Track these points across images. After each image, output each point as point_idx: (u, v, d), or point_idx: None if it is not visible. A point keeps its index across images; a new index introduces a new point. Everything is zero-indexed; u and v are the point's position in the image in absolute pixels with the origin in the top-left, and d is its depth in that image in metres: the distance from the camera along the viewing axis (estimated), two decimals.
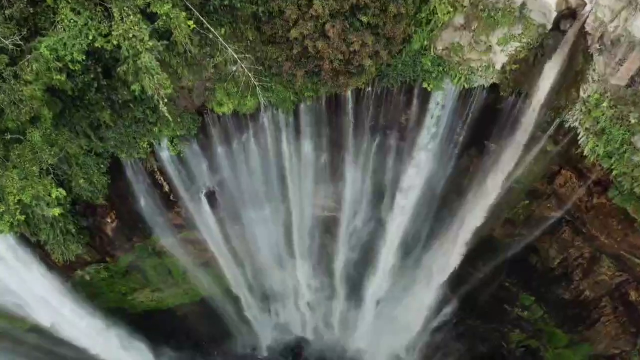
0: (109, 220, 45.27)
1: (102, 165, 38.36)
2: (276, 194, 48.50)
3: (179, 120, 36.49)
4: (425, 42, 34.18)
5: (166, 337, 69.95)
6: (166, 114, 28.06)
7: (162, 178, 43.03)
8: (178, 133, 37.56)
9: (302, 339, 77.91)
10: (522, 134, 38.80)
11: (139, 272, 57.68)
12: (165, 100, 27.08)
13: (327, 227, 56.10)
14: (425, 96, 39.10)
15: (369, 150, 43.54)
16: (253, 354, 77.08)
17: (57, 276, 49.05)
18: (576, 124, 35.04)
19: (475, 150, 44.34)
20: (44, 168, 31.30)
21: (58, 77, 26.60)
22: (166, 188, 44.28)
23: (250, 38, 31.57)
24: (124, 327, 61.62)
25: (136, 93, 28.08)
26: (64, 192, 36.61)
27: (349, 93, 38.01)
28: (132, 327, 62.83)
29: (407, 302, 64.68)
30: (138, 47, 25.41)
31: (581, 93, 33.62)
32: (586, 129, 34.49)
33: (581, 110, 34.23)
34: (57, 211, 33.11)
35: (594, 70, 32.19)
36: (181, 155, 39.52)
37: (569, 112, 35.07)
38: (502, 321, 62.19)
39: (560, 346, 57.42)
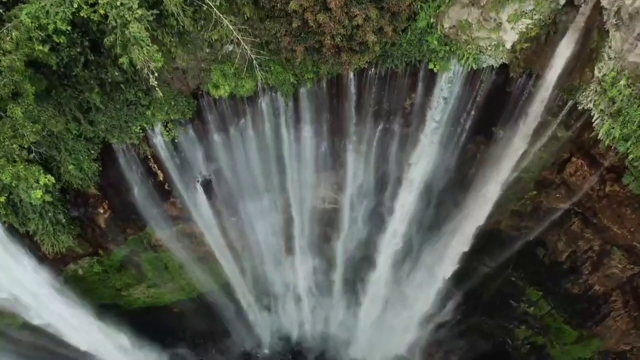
0: (101, 211, 43.39)
1: (92, 151, 36.60)
2: (275, 184, 46.79)
3: (172, 103, 34.72)
4: (432, 20, 32.51)
5: (162, 334, 68.24)
6: (157, 90, 26.27)
7: (156, 166, 41.17)
8: (172, 117, 35.75)
9: (302, 337, 74.98)
10: (532, 119, 37.02)
11: (134, 267, 55.84)
12: (156, 74, 25.03)
13: (328, 220, 53.87)
14: (431, 79, 37.57)
15: (371, 137, 41.86)
16: (252, 353, 74.91)
17: (49, 270, 46.88)
18: (590, 105, 33.29)
19: (482, 138, 42.63)
20: (26, 147, 29.07)
21: (40, 47, 24.80)
22: (160, 177, 42.46)
23: (248, 14, 29.66)
24: (119, 324, 58.61)
25: (125, 66, 25.96)
26: (52, 179, 34.92)
27: (351, 75, 36.25)
28: (128, 324, 59.98)
29: (409, 298, 62.18)
30: (126, 16, 23.61)
31: (596, 72, 31.88)
32: (601, 110, 32.75)
33: (596, 91, 32.53)
34: (39, 193, 31.06)
35: (610, 47, 30.50)
36: (175, 140, 37.75)
37: (583, 93, 33.44)
38: (507, 317, 60.37)
39: (568, 342, 55.66)
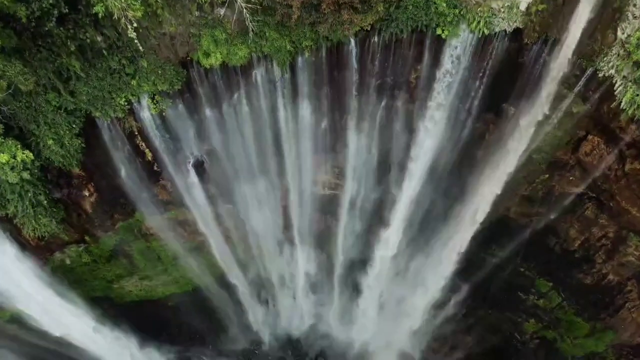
0: (86, 193, 40.66)
1: (74, 126, 33.94)
2: (271, 167, 44.34)
3: (159, 72, 32.13)
4: None
5: (157, 330, 65.59)
6: (136, 41, 23.05)
7: (144, 144, 38.51)
8: (159, 88, 33.13)
9: (302, 332, 72.62)
10: (545, 93, 34.71)
11: (124, 257, 53.25)
12: (134, 24, 22.11)
13: (329, 207, 51.09)
14: (438, 48, 35.07)
15: (374, 114, 39.27)
16: (250, 349, 72.09)
17: (33, 258, 43.91)
18: (612, 72, 30.83)
19: (492, 116, 40.15)
20: None
21: None
22: (149, 156, 39.76)
23: None
24: (111, 319, 55.35)
25: (100, 15, 23.08)
26: (30, 155, 32.39)
27: (352, 43, 33.39)
28: (120, 319, 56.94)
29: (413, 291, 59.62)
30: None
31: (619, 34, 29.48)
32: (624, 77, 30.35)
33: (619, 55, 30.18)
34: (5, 158, 28.01)
35: (635, 5, 28.06)
36: (164, 114, 34.89)
37: (604, 59, 31.03)
38: (515, 310, 58.03)
39: (580, 336, 53.32)
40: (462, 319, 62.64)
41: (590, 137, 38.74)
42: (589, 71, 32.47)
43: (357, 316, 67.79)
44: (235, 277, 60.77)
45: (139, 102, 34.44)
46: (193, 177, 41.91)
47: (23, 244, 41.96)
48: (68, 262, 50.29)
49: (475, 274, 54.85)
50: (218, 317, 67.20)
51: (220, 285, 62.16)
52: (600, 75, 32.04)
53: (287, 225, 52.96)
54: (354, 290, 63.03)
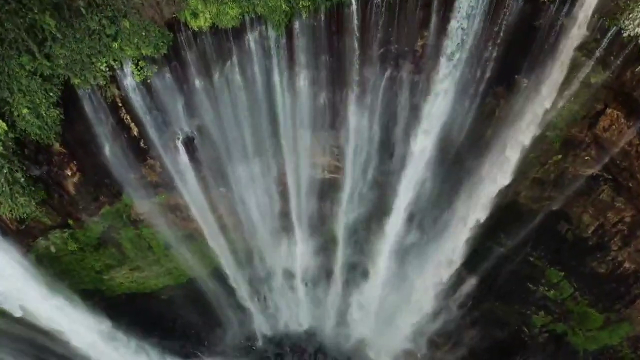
0: (68, 172, 37.84)
1: (51, 94, 31.13)
2: (267, 145, 41.16)
3: (143, 34, 29.37)
4: None
5: (150, 324, 62.98)
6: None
7: (128, 117, 35.76)
8: (144, 52, 30.39)
9: (301, 328, 70.13)
10: (562, 61, 32.13)
11: (113, 246, 50.59)
12: None
13: (328, 192, 48.13)
14: (446, 10, 32.27)
15: (377, 86, 36.82)
16: (247, 345, 69.39)
17: (15, 245, 40.94)
18: (638, 30, 27.22)
19: (502, 89, 37.65)
20: None
21: None
22: (135, 131, 36.99)
23: None
24: (101, 312, 52.45)
25: None
26: (4, 126, 29.54)
27: (353, 5, 30.57)
28: (111, 313, 53.82)
29: (416, 283, 56.78)
30: None
31: None
32: None
33: None
34: None
35: None
36: (149, 82, 32.00)
37: (630, 15, 28.55)
38: (524, 302, 55.13)
39: (593, 328, 50.55)
40: (467, 312, 59.86)
41: (608, 110, 36.33)
42: (612, 31, 29.87)
43: (358, 310, 64.96)
44: (231, 268, 58.14)
45: (121, 68, 31.69)
46: (183, 156, 39.16)
47: (3, 229, 38.64)
48: (53, 249, 47.49)
49: (481, 264, 52.29)
50: (214, 311, 64.62)
51: (215, 278, 59.70)
52: (625, 35, 29.52)
53: (284, 212, 49.83)
54: (355, 281, 59.64)
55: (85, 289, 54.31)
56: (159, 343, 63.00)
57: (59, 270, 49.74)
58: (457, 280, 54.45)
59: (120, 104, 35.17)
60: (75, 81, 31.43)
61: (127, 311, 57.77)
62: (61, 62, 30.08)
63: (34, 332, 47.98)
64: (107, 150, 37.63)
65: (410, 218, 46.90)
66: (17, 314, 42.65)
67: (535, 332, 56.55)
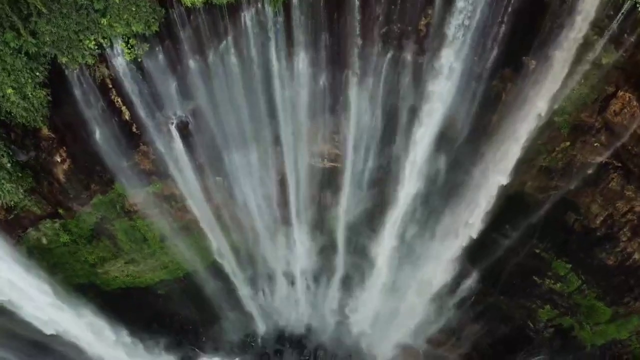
0: (58, 159, 36.32)
1: (37, 73, 29.58)
2: (264, 131, 39.52)
3: (133, 9, 27.43)
4: None
5: (147, 319, 62.06)
6: None
7: (119, 100, 34.22)
8: (134, 29, 28.94)
9: (300, 324, 68.72)
10: (572, 41, 30.83)
11: (107, 238, 49.24)
12: None
13: (328, 182, 46.66)
14: None
15: (379, 68, 35.36)
16: (246, 341, 68.21)
17: (4, 235, 39.16)
18: None
19: (509, 72, 36.37)
20: None
21: None
22: (126, 115, 35.50)
23: None
24: (96, 307, 51.02)
25: None
26: None
27: None
28: (106, 307, 52.71)
29: (418, 276, 55.36)
30: None
31: None
32: None
33: None
34: None
35: None
36: (140, 61, 30.29)
37: None
38: (529, 296, 53.93)
39: (601, 322, 49.48)
40: (470, 306, 58.59)
41: (620, 93, 34.99)
42: (626, 6, 28.45)
43: (359, 305, 63.61)
44: (228, 261, 56.69)
45: (111, 46, 30.18)
46: (177, 141, 37.62)
47: None
48: (45, 241, 46.05)
49: (485, 257, 51.01)
50: (211, 307, 63.46)
51: (212, 272, 58.53)
52: None
53: (283, 203, 48.17)
54: (356, 275, 58.09)
55: (79, 283, 52.27)
56: (156, 339, 61.55)
57: (52, 264, 47.69)
58: (461, 274, 52.52)
59: (110, 86, 33.65)
60: (63, 60, 29.92)
61: (123, 306, 56.10)
62: (47, 39, 28.64)
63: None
64: (97, 135, 36.18)
65: (414, 208, 44.81)
66: None
67: (540, 327, 55.40)
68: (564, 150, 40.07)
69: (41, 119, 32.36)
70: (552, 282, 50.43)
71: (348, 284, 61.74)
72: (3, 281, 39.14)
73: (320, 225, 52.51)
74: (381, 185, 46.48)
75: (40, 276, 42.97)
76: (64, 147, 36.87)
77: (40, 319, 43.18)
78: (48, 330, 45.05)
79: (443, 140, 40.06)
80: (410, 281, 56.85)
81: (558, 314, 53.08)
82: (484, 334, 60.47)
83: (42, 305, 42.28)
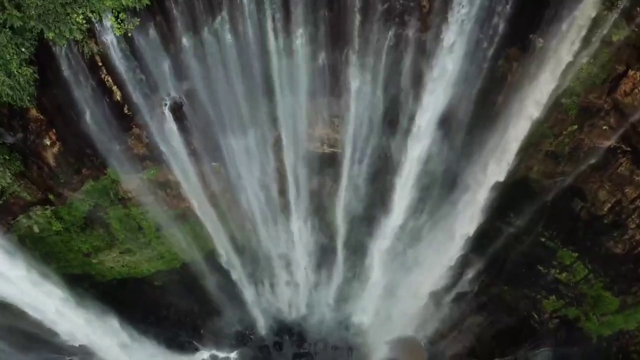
0: (47, 142, 34.98)
1: (23, 49, 28.31)
2: (262, 116, 38.30)
3: None
4: None
5: (144, 311, 60.64)
6: None
7: (110, 79, 32.82)
8: (124, 2, 27.40)
9: (300, 315, 67.59)
10: (582, 17, 29.68)
11: (101, 226, 47.87)
12: None
13: (328, 168, 45.22)
14: None
15: (380, 46, 34.11)
16: (245, 334, 66.64)
17: None
18: None
19: (516, 51, 35.01)
20: None
21: None
22: (117, 95, 34.09)
23: None
24: (91, 299, 50.16)
25: None
26: None
27: None
28: (102, 299, 51.83)
29: (420, 267, 54.22)
30: None
31: None
32: None
33: None
34: None
35: None
36: (130, 36, 28.83)
37: None
38: (534, 286, 52.63)
39: (608, 312, 48.32)
40: (473, 297, 57.33)
41: (631, 72, 33.74)
42: None
43: (360, 296, 62.32)
44: (226, 251, 55.51)
45: (100, 21, 28.50)
46: (170, 124, 36.22)
47: None
48: (36, 229, 44.68)
49: (489, 246, 49.96)
50: (209, 299, 62.10)
51: (210, 263, 57.25)
52: None
53: (281, 190, 46.80)
54: (357, 265, 56.72)
55: (73, 273, 50.90)
56: (153, 331, 60.39)
57: (45, 253, 46.48)
58: (464, 263, 51.42)
59: (100, 63, 32.29)
60: (50, 35, 28.50)
61: (119, 298, 55.13)
62: (33, 12, 27.31)
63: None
64: (87, 116, 34.93)
65: (416, 194, 43.43)
66: None
67: (545, 318, 54.08)
68: (571, 134, 38.84)
69: (28, 98, 30.99)
70: (558, 271, 49.27)
71: (349, 274, 59.85)
72: None
73: (320, 213, 51.11)
74: (382, 171, 44.69)
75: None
76: (54, 130, 35.56)
77: None
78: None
79: (446, 123, 38.20)
80: (412, 271, 54.79)
81: (563, 305, 51.94)
82: (487, 326, 59.15)
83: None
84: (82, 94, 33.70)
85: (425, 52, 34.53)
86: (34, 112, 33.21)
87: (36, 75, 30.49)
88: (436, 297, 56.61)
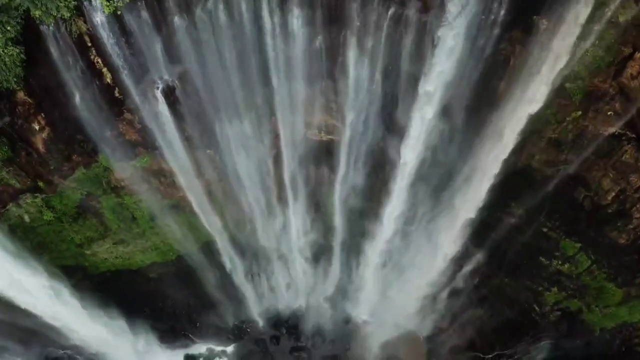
0: (36, 126, 33.86)
1: (9, 28, 27.06)
2: (257, 98, 36.92)
3: None
4: None
5: (138, 304, 59.92)
6: None
7: (100, 61, 31.72)
8: None
9: (297, 309, 66.90)
10: None
11: (94, 216, 47.10)
12: None
13: (326, 156, 44.19)
14: None
15: (379, 27, 33.13)
16: (241, 327, 65.92)
17: None
18: None
19: (519, 33, 34.03)
20: None
21: None
22: (108, 78, 32.70)
23: None
24: (85, 291, 49.51)
25: None
26: None
27: None
28: (96, 291, 51.27)
29: (419, 259, 53.05)
30: None
31: None
32: None
33: None
34: None
35: None
36: (119, 14, 27.48)
37: None
38: (535, 278, 51.66)
39: (611, 304, 47.39)
40: (474, 289, 56.54)
41: (637, 54, 32.74)
42: None
43: (359, 289, 61.60)
44: (221, 243, 54.77)
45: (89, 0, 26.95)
46: (163, 108, 34.85)
47: None
48: (27, 219, 43.72)
49: (490, 237, 48.94)
50: (205, 291, 61.22)
51: (206, 254, 56.50)
52: None
53: (278, 179, 45.62)
54: (355, 257, 55.72)
55: (66, 265, 49.88)
56: (148, 324, 60.10)
57: (37, 244, 45.65)
58: (464, 255, 50.67)
59: (89, 44, 31.16)
60: (36, 13, 27.44)
61: (113, 290, 54.36)
62: None
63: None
64: (77, 100, 33.69)
65: (416, 183, 42.34)
66: None
67: (546, 310, 53.28)
68: (575, 121, 37.92)
69: (15, 79, 29.96)
70: (560, 262, 48.35)
71: (346, 266, 59.18)
72: None
73: (317, 202, 49.90)
74: (381, 159, 43.59)
75: None
76: (42, 114, 34.35)
77: None
78: None
79: (447, 108, 37.08)
80: (412, 260, 53.87)
81: (565, 297, 51.02)
82: (488, 318, 58.37)
83: None
84: (71, 76, 32.70)
85: (425, 34, 33.15)
86: (21, 95, 32.09)
87: (23, 56, 29.49)
88: (436, 288, 54.83)
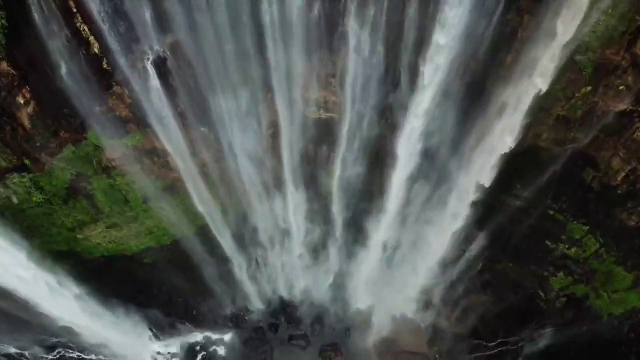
0: (21, 100, 32.14)
1: None
2: (253, 71, 35.20)
3: None
4: None
5: (133, 291, 57.94)
6: None
7: (86, 29, 29.76)
8: None
9: (296, 295, 65.46)
10: None
11: (85, 198, 45.54)
12: None
13: (325, 135, 42.77)
14: None
15: None
16: (239, 314, 64.59)
17: None
18: None
19: (527, 2, 33.15)
20: None
21: None
22: (95, 47, 30.86)
23: None
24: (76, 277, 47.98)
25: None
26: None
27: None
28: (88, 278, 49.31)
29: (421, 244, 51.87)
30: None
31: None
32: None
33: None
34: None
35: None
36: None
37: None
38: (541, 263, 50.29)
39: (620, 289, 46.03)
40: (477, 274, 55.17)
41: None
42: None
43: (359, 275, 60.30)
44: (217, 226, 53.25)
45: None
46: (154, 80, 33.29)
47: None
48: (15, 200, 41.87)
49: (494, 220, 47.80)
50: (202, 277, 59.58)
51: (202, 239, 54.80)
52: None
53: (275, 159, 44.00)
54: (355, 242, 54.07)
55: (58, 250, 48.14)
56: (143, 311, 58.34)
57: (26, 228, 43.91)
58: (467, 238, 49.47)
59: (74, 9, 29.15)
60: None
61: (107, 276, 52.80)
62: None
63: None
64: (63, 71, 31.89)
65: (419, 161, 40.73)
66: None
67: (552, 296, 51.96)
68: (585, 97, 36.89)
69: None
70: (567, 246, 47.14)
71: (346, 251, 57.86)
72: None
73: (316, 184, 48.23)
74: (383, 137, 41.90)
75: None
76: (27, 87, 32.48)
77: None
78: None
79: (452, 82, 35.41)
80: (414, 244, 52.83)
81: (572, 282, 49.57)
82: (491, 304, 57.08)
83: None
84: (56, 44, 31.24)
85: (429, 2, 31.32)
86: (4, 65, 30.49)
87: (4, 22, 27.54)
88: (438, 273, 53.05)
